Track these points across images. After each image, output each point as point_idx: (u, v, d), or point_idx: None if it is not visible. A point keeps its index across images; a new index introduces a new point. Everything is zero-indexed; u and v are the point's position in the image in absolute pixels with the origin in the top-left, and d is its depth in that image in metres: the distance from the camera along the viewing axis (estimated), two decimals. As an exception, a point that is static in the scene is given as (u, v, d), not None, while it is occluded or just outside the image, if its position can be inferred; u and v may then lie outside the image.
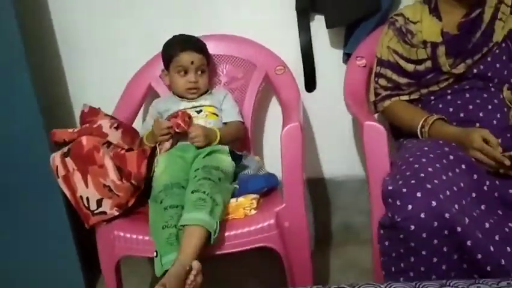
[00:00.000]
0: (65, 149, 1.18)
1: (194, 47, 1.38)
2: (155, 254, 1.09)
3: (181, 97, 1.41)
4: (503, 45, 1.20)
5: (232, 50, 1.51)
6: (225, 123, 1.41)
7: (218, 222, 1.09)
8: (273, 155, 1.63)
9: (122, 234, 1.18)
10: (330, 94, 1.58)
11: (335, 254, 1.69)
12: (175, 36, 1.43)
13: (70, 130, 1.23)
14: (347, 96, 1.34)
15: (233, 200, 1.21)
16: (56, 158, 1.18)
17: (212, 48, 1.48)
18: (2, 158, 1.41)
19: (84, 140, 1.18)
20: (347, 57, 1.54)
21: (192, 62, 1.37)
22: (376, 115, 1.36)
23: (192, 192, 1.12)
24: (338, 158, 1.71)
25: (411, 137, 1.21)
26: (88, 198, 1.18)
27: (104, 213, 1.18)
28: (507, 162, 0.99)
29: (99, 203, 1.18)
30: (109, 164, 1.18)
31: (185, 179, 1.22)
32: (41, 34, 1.58)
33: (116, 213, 1.19)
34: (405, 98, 1.27)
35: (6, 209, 1.45)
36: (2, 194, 1.43)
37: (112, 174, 1.17)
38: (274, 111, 1.63)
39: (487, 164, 1.02)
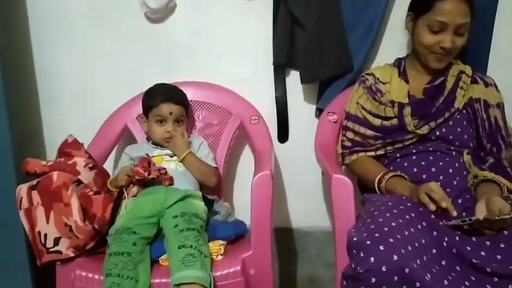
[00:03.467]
0: (34, 182, 1.17)
1: (174, 99, 1.40)
2: None
3: (156, 145, 1.43)
4: (464, 111, 1.29)
5: (210, 97, 1.56)
6: None
7: (211, 275, 1.10)
8: (242, 202, 1.66)
9: (84, 273, 1.16)
10: (301, 146, 1.63)
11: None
12: (157, 86, 1.46)
13: (44, 162, 1.23)
14: (318, 149, 1.39)
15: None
16: (22, 189, 1.16)
17: (190, 94, 1.52)
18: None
19: (55, 175, 1.18)
20: (319, 112, 1.60)
21: (171, 113, 1.39)
22: (343, 168, 1.42)
23: (179, 248, 1.10)
24: (306, 209, 1.74)
25: (375, 191, 1.26)
26: (45, 235, 1.15)
27: (60, 252, 1.16)
28: (450, 207, 1.05)
29: (56, 241, 1.16)
30: (74, 204, 1.16)
31: (144, 223, 1.20)
32: (20, 64, 1.59)
33: (72, 255, 1.17)
34: (372, 153, 1.33)
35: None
36: None
37: (76, 215, 1.15)
38: (246, 159, 1.67)
39: (431, 208, 1.06)
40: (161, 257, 1.19)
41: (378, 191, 1.23)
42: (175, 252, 1.11)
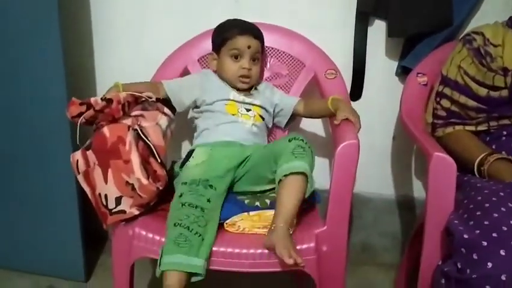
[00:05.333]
0: (87, 143, 1.04)
1: (252, 32, 1.24)
2: (160, 251, 0.98)
3: (232, 86, 1.26)
4: None
5: (281, 44, 1.38)
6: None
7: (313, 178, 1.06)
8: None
9: (143, 232, 1.05)
10: (373, 106, 1.47)
11: (348, 273, 1.60)
12: (230, 20, 1.29)
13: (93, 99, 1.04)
14: (404, 115, 1.22)
15: (271, 212, 1.08)
16: (76, 153, 1.04)
17: (259, 37, 1.35)
18: (15, 122, 1.33)
19: (107, 131, 1.02)
20: (401, 70, 1.42)
21: (249, 47, 1.22)
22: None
23: (289, 141, 1.05)
24: (370, 174, 1.59)
25: (468, 171, 1.11)
26: (106, 196, 1.04)
27: (123, 212, 1.05)
28: None
29: (118, 200, 1.04)
30: (135, 160, 1.02)
31: (222, 176, 1.11)
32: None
33: (137, 212, 1.06)
34: (472, 128, 1.16)
35: (13, 175, 1.39)
36: (11, 158, 1.37)
37: (138, 172, 1.02)
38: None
39: None
40: (227, 221, 1.08)
41: (477, 174, 1.07)
42: (285, 145, 1.05)
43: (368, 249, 1.67)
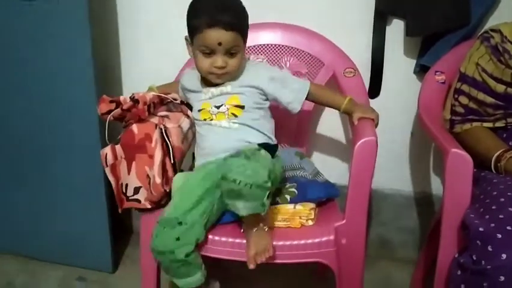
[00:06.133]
0: (117, 139, 1.10)
1: (224, 23, 1.02)
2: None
3: (207, 83, 1.15)
4: None
5: (300, 43, 1.41)
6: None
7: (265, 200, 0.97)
8: (319, 160, 1.57)
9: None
10: (391, 103, 1.50)
11: (367, 267, 1.63)
12: None
13: (122, 98, 1.09)
14: (422, 113, 1.24)
15: (290, 206, 1.12)
16: (105, 148, 1.10)
17: (279, 37, 1.39)
18: (48, 118, 1.41)
19: (135, 128, 1.08)
20: (419, 68, 1.44)
21: (220, 43, 1.04)
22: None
23: (222, 179, 0.94)
24: (389, 170, 1.62)
25: (485, 167, 1.12)
26: (126, 185, 1.10)
27: (138, 201, 1.11)
28: None
29: (136, 190, 1.10)
30: (157, 157, 1.07)
31: (188, 209, 1.03)
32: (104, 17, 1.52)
33: (149, 206, 1.11)
34: (489, 125, 1.17)
35: (46, 171, 1.47)
36: (43, 154, 1.45)
37: (156, 169, 1.07)
38: (327, 113, 1.56)
39: None
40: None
41: (494, 170, 1.09)
42: (221, 182, 0.97)
43: (387, 244, 1.69)
